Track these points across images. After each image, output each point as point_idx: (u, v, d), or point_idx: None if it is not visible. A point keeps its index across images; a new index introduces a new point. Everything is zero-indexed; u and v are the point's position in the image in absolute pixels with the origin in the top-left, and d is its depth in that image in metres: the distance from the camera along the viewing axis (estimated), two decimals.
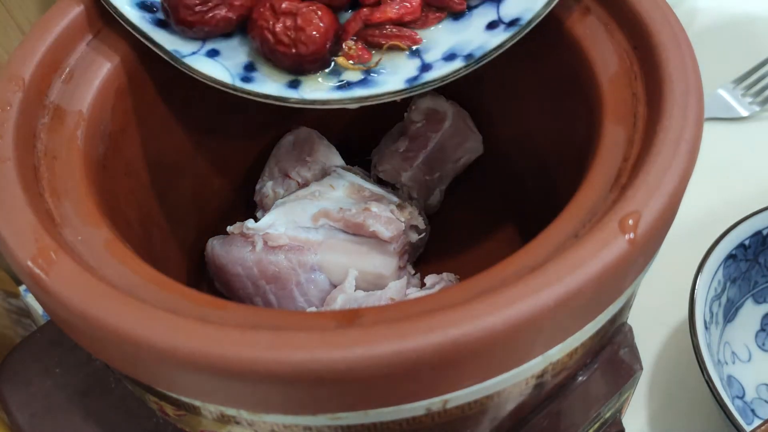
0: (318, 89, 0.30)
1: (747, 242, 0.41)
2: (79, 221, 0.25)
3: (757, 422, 0.41)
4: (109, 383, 0.29)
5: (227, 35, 0.31)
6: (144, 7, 0.31)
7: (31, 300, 0.43)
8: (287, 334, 0.20)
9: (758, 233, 0.42)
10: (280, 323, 0.21)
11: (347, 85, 0.30)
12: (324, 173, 0.38)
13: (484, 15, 0.30)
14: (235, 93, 0.30)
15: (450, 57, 0.30)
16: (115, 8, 0.30)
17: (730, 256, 0.41)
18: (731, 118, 0.56)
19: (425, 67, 0.30)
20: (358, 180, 0.37)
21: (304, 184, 0.38)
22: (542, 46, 0.29)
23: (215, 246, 0.36)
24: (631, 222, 0.22)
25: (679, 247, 0.41)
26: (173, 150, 0.34)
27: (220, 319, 0.21)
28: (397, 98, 0.30)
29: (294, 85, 0.31)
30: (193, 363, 0.20)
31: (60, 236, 0.24)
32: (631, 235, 0.21)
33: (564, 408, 0.27)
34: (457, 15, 0.31)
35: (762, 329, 0.44)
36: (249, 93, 0.30)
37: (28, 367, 0.30)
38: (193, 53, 0.30)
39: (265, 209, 0.38)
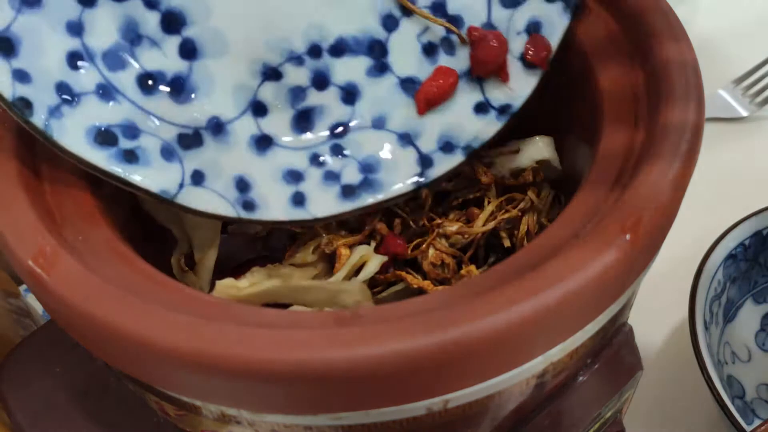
0: (326, 202, 0.29)
1: (747, 242, 0.41)
2: (80, 221, 0.25)
3: (757, 422, 0.41)
4: (109, 383, 0.29)
5: (197, 143, 0.28)
6: (104, 140, 0.26)
7: (31, 300, 0.43)
8: (287, 333, 0.20)
9: (758, 233, 0.42)
10: (280, 323, 0.21)
11: (353, 192, 0.29)
12: None
13: (468, 93, 0.30)
14: (240, 223, 0.29)
15: (447, 147, 0.30)
16: (72, 153, 0.25)
17: (730, 256, 0.41)
18: (731, 118, 0.56)
19: (425, 161, 0.30)
20: None
21: None
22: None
23: None
24: (631, 222, 0.22)
25: (679, 247, 0.41)
26: None
27: (220, 318, 0.21)
28: (405, 199, 0.30)
29: (299, 200, 0.29)
30: (193, 362, 0.20)
31: (61, 235, 0.24)
32: (632, 235, 0.21)
33: (564, 408, 0.27)
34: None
35: (762, 329, 0.44)
36: (257, 222, 0.29)
37: (28, 367, 0.30)
38: (181, 186, 0.27)
39: None
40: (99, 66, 0.27)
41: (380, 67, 0.30)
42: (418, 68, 0.30)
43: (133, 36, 0.28)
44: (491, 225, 0.31)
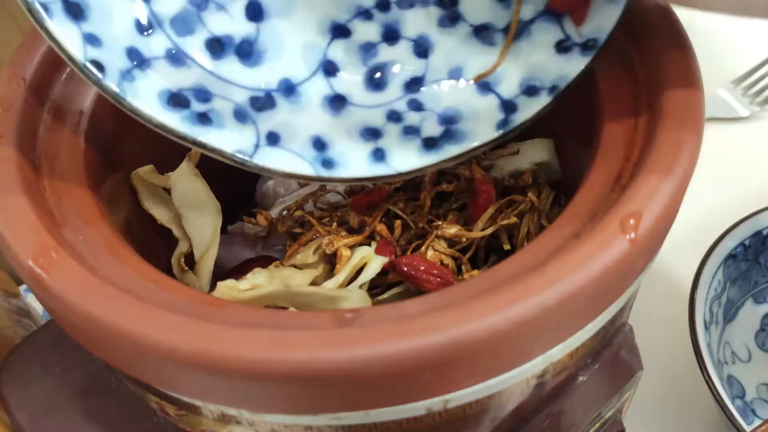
0: (408, 156, 0.28)
1: (747, 242, 0.41)
2: (80, 221, 0.25)
3: (757, 422, 0.41)
4: (109, 383, 0.29)
5: (269, 105, 0.28)
6: (177, 102, 0.26)
7: (31, 300, 0.43)
8: (287, 333, 0.20)
9: (758, 233, 0.42)
10: (280, 323, 0.21)
11: (435, 144, 0.28)
12: None
13: (546, 32, 0.28)
14: (321, 182, 0.28)
15: (531, 90, 0.28)
16: (145, 116, 0.26)
17: (730, 256, 0.41)
18: (731, 118, 0.56)
19: (508, 107, 0.28)
20: None
21: (305, 184, 0.38)
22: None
23: None
24: (632, 222, 0.22)
25: (679, 247, 0.41)
26: (174, 150, 0.34)
27: (220, 318, 0.21)
28: (488, 148, 0.28)
29: (379, 156, 0.28)
30: (193, 362, 0.20)
31: (61, 236, 0.24)
32: (632, 235, 0.21)
33: (564, 408, 0.27)
34: (515, 34, 0.29)
35: (762, 329, 0.44)
36: (338, 180, 0.28)
37: (28, 367, 0.30)
38: (257, 147, 0.27)
39: (266, 209, 0.38)
40: (167, 32, 0.27)
41: (451, 17, 0.29)
42: (492, 14, 0.29)
43: (199, 1, 0.28)
44: (490, 230, 0.31)
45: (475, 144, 0.28)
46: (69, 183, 0.26)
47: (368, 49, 0.29)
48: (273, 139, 0.28)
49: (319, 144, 0.28)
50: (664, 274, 0.40)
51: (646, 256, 0.24)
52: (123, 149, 0.30)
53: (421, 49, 0.30)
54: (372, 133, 0.29)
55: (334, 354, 0.19)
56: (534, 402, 0.26)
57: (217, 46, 0.28)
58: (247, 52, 0.28)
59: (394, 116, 0.29)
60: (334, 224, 0.32)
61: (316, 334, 0.20)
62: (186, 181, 0.31)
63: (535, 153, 0.32)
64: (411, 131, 0.29)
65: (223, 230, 0.36)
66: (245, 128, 0.27)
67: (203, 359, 0.20)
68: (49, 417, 0.29)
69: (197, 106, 0.27)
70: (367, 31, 0.29)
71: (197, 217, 0.30)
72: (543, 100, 0.28)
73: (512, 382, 0.23)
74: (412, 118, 0.29)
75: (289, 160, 0.27)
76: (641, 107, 0.26)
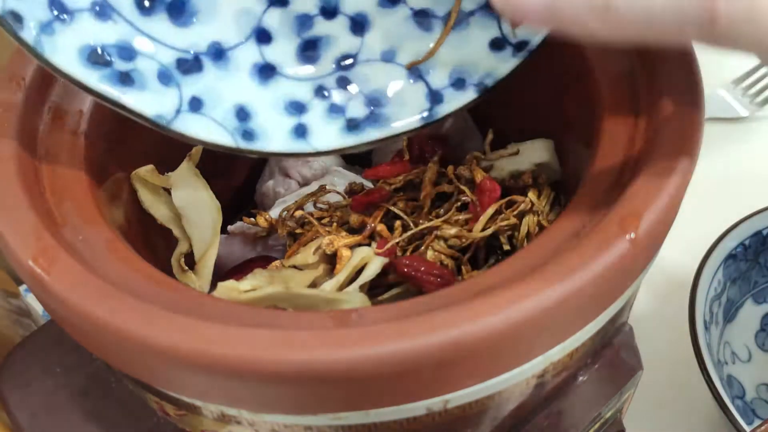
0: (328, 135, 0.29)
1: (747, 242, 0.41)
2: (80, 221, 0.25)
3: (757, 422, 0.41)
4: (109, 383, 0.29)
5: (196, 68, 0.28)
6: (97, 60, 0.25)
7: (31, 300, 0.43)
8: (287, 333, 0.20)
9: (758, 233, 0.42)
10: (280, 323, 0.21)
11: (357, 126, 0.29)
12: (324, 173, 0.38)
13: (484, 27, 0.28)
14: (240, 154, 0.28)
15: (459, 84, 0.28)
16: (62, 72, 0.25)
17: (730, 256, 0.41)
18: (731, 118, 0.56)
19: (435, 97, 0.29)
20: (359, 179, 0.37)
21: (305, 184, 0.38)
22: (542, 46, 0.29)
23: None
24: (631, 222, 0.22)
25: (679, 247, 0.41)
26: (173, 150, 0.34)
27: (220, 318, 0.21)
28: (412, 135, 0.29)
29: (301, 132, 0.28)
30: (193, 362, 0.20)
31: (61, 236, 0.24)
32: (632, 235, 0.21)
33: (564, 408, 0.27)
34: (454, 24, 0.29)
35: (762, 329, 0.44)
36: (257, 153, 0.28)
37: (28, 366, 0.30)
38: (178, 112, 0.27)
39: (266, 209, 0.38)
40: None
41: None
42: (433, 0, 0.29)
43: None
44: (490, 231, 0.31)
45: (397, 131, 0.28)
46: (69, 183, 0.26)
47: (304, 20, 0.29)
48: (196, 105, 0.27)
49: (243, 114, 0.28)
50: (664, 274, 0.40)
51: (646, 256, 0.24)
52: (123, 149, 0.30)
53: (358, 26, 0.29)
54: (297, 108, 0.29)
55: (334, 354, 0.19)
56: (534, 402, 0.26)
57: (146, 2, 0.27)
58: (178, 10, 0.27)
59: (321, 92, 0.29)
60: (335, 224, 0.32)
61: (316, 334, 0.20)
62: (186, 180, 0.31)
63: (535, 153, 0.32)
64: (336, 110, 0.29)
65: (223, 230, 0.36)
66: (168, 91, 0.27)
67: (203, 359, 0.20)
68: (49, 417, 0.29)
69: (120, 65, 0.26)
70: (304, 2, 0.29)
71: (197, 217, 0.30)
72: (469, 95, 0.28)
73: (512, 382, 0.23)
74: (338, 96, 0.29)
75: (210, 128, 0.27)
76: (641, 107, 0.26)
